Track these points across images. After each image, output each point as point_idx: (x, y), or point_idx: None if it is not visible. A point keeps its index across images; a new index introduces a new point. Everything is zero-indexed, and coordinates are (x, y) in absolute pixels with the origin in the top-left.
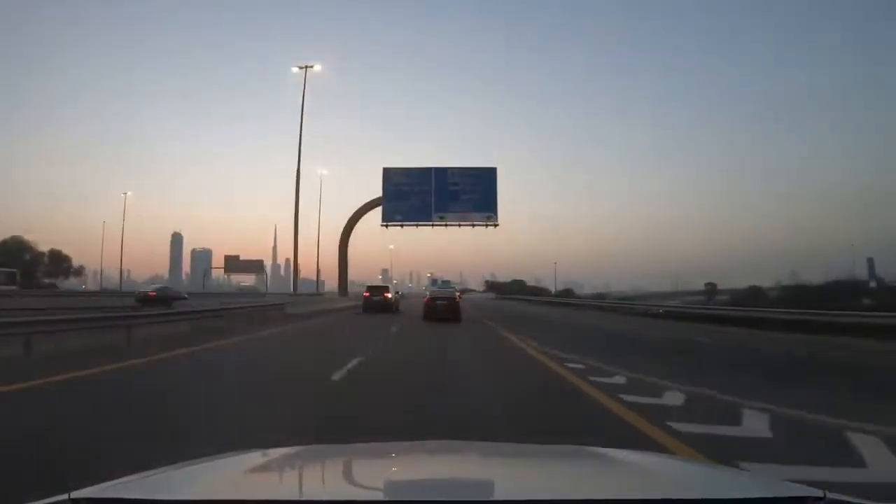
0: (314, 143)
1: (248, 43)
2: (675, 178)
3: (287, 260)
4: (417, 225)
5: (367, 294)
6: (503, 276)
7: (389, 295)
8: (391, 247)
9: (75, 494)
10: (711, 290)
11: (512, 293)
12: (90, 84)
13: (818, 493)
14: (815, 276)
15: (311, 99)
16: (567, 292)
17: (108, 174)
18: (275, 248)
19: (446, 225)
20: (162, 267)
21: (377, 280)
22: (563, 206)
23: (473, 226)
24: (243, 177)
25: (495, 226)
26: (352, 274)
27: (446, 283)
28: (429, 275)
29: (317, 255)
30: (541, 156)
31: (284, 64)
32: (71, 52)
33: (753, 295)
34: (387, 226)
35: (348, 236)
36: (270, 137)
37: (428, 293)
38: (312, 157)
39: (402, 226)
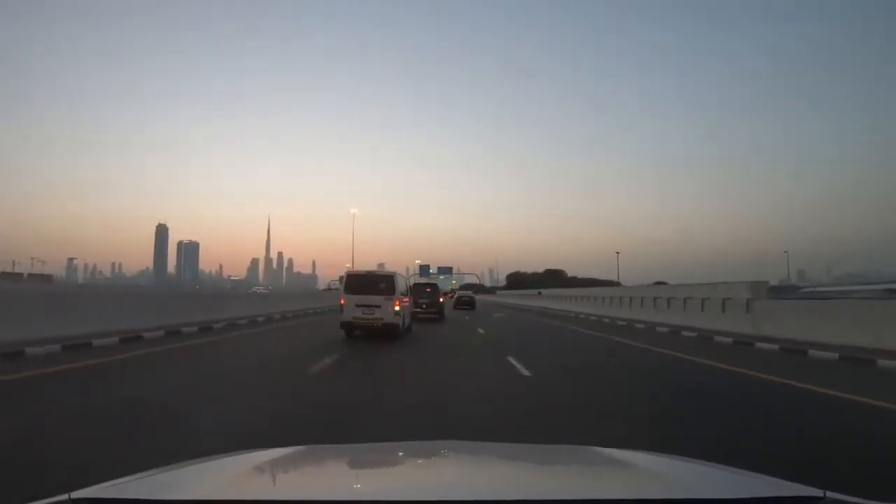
0: None
1: (244, 42)
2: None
3: (280, 253)
4: None
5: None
6: (501, 270)
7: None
8: (353, 210)
9: (75, 494)
10: None
11: None
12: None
13: (818, 492)
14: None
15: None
16: (660, 285)
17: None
18: (268, 241)
19: None
20: (150, 260)
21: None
22: (570, 203)
23: None
24: (237, 171)
25: None
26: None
27: (446, 269)
28: (417, 262)
29: None
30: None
31: (282, 57)
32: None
33: None
34: None
35: None
36: (265, 133)
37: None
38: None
39: None
